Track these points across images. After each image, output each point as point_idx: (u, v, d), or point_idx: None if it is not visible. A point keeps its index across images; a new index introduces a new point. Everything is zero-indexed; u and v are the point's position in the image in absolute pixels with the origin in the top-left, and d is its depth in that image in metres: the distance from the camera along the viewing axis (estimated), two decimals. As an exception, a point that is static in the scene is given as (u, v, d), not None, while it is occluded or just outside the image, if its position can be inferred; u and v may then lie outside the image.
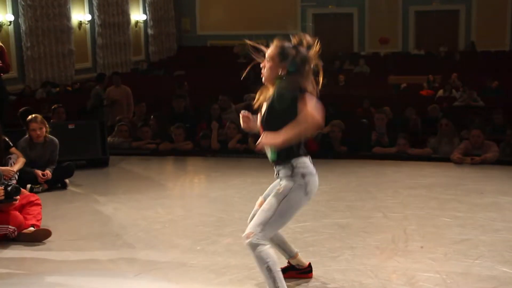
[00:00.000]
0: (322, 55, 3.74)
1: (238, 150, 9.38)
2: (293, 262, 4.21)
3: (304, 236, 5.27)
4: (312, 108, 3.48)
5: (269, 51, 3.71)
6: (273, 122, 3.60)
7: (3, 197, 5.17)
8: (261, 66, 3.76)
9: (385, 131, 9.43)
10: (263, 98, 3.74)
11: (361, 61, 19.64)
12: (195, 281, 4.33)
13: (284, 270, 4.05)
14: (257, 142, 3.61)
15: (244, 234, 3.63)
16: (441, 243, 5.06)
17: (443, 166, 8.30)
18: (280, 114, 3.56)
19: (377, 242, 5.07)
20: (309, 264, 4.25)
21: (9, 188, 5.21)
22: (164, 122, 10.44)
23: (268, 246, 3.60)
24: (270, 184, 3.89)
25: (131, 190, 7.25)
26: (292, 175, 3.64)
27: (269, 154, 3.75)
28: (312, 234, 5.33)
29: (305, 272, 4.22)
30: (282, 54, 3.64)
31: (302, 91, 3.52)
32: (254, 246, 3.57)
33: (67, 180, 7.44)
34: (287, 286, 3.66)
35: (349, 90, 14.90)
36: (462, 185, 7.13)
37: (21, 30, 16.53)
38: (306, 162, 3.68)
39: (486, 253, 4.77)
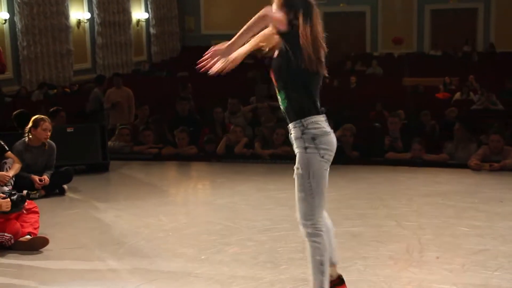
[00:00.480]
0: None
1: (245, 155, 9.41)
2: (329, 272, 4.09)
3: (314, 246, 5.27)
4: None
5: (274, 3, 3.68)
6: (279, 75, 3.69)
7: (9, 208, 5.24)
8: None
9: (399, 135, 9.43)
10: (271, 44, 3.76)
11: (374, 62, 19.64)
12: (199, 292, 4.35)
13: None
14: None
15: (300, 228, 3.70)
16: (458, 253, 5.06)
17: (460, 173, 8.29)
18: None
19: (390, 252, 5.07)
20: (339, 276, 4.08)
21: (14, 198, 5.28)
22: (163, 126, 10.48)
23: (325, 237, 3.67)
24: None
25: (132, 196, 7.28)
26: (302, 137, 3.64)
27: (280, 100, 3.77)
28: (322, 244, 5.32)
29: (336, 284, 4.05)
30: (287, 2, 3.62)
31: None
32: (313, 237, 3.64)
33: (65, 186, 7.47)
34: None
35: (361, 92, 14.89)
36: (480, 193, 7.12)
37: (17, 29, 16.61)
38: (318, 122, 3.67)
39: (506, 264, 4.76)
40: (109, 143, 9.37)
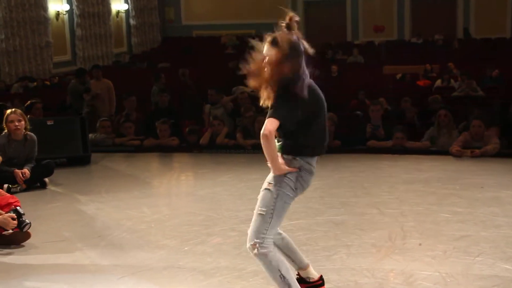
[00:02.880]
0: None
1: (226, 146, 9.39)
2: (303, 275, 4.03)
3: (296, 235, 5.27)
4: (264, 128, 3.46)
5: (270, 49, 3.55)
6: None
7: (12, 229, 5.21)
8: (250, 66, 3.62)
9: (381, 123, 9.45)
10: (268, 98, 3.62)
11: (355, 51, 19.64)
12: (182, 283, 4.33)
13: None
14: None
15: (248, 245, 3.62)
16: (440, 240, 5.08)
17: (441, 160, 8.34)
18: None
19: (373, 239, 5.09)
20: (321, 276, 4.08)
21: (22, 225, 5.25)
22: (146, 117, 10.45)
23: (275, 251, 3.64)
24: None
25: (114, 188, 7.25)
26: (288, 164, 3.61)
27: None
28: (305, 232, 5.34)
29: (316, 285, 4.05)
30: (295, 50, 3.54)
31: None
32: (263, 256, 3.58)
33: (46, 179, 7.42)
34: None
35: (343, 81, 14.90)
36: (461, 179, 7.17)
37: (-5, 22, 16.42)
38: (309, 160, 3.64)
39: (488, 250, 4.80)
40: (90, 135, 9.31)
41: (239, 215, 5.92)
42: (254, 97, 11.50)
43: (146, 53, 22.65)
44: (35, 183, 7.32)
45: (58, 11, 18.98)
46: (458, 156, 8.35)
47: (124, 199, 6.71)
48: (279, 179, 3.61)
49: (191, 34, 25.08)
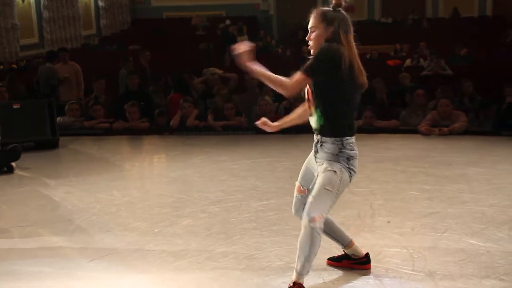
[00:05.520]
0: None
1: (197, 127, 9.36)
2: (349, 252, 4.14)
3: (267, 215, 5.31)
4: (296, 81, 3.54)
5: (311, 21, 3.70)
6: (319, 92, 3.63)
7: None
8: (306, 39, 3.74)
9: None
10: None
11: (326, 31, 19.63)
12: (152, 265, 4.33)
13: (339, 259, 4.16)
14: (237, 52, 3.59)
15: (309, 216, 3.61)
16: (408, 217, 5.15)
17: (410, 138, 8.42)
18: (321, 83, 3.59)
19: (342, 218, 5.12)
20: (367, 254, 4.16)
21: None
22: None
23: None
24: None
25: (83, 172, 7.19)
26: (338, 155, 3.64)
27: (314, 119, 3.73)
28: (276, 212, 5.37)
29: (361, 262, 4.13)
30: (325, 17, 3.66)
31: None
32: (319, 230, 3.63)
33: (13, 164, 7.32)
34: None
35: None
36: (430, 157, 7.26)
37: (-41, 4, 16.10)
38: (353, 144, 3.69)
39: (454, 225, 4.88)
40: (58, 118, 9.20)
41: (210, 196, 5.92)
42: (225, 78, 11.53)
43: (115, 35, 22.40)
44: (2, 168, 7.22)
45: (24, -7, 18.65)
46: (427, 134, 8.45)
47: (93, 183, 6.66)
48: (339, 166, 3.65)
49: (161, 15, 24.85)
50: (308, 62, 3.57)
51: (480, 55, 14.57)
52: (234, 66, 13.25)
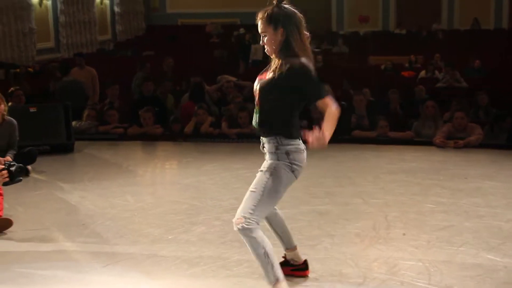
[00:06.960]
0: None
1: (211, 135, 9.36)
2: (289, 256, 4.07)
3: (281, 224, 5.27)
4: (330, 103, 3.54)
5: (259, 26, 3.59)
6: (270, 93, 3.57)
7: (8, 179, 5.04)
8: (261, 44, 3.67)
9: (365, 113, 9.47)
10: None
11: (340, 41, 19.65)
12: (166, 272, 4.31)
13: None
14: (311, 141, 3.42)
15: (234, 220, 3.56)
16: (423, 230, 5.10)
17: (425, 150, 8.37)
18: (282, 89, 3.53)
19: (357, 229, 5.10)
20: (305, 261, 4.10)
21: (12, 169, 5.08)
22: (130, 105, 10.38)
23: (260, 230, 3.54)
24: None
25: (98, 176, 7.19)
26: (276, 152, 3.60)
27: (255, 119, 3.70)
28: (290, 222, 5.27)
29: (300, 269, 4.08)
30: (270, 19, 3.54)
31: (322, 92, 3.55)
32: (246, 231, 3.49)
33: (29, 167, 7.33)
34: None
35: (327, 71, 14.89)
36: (445, 170, 7.20)
37: (-22, 8, 16.22)
38: (292, 140, 3.61)
39: (471, 240, 4.82)
40: (74, 123, 9.24)
41: (223, 204, 5.90)
42: (240, 86, 11.52)
43: (130, 41, 22.50)
44: (14, 182, 7.20)
45: (41, -3, 18.77)
46: (442, 146, 8.39)
47: (107, 187, 6.66)
48: (273, 164, 3.61)
49: (176, 22, 24.95)
50: (316, 88, 3.55)
51: (495, 67, 14.49)
52: (248, 74, 13.31)
